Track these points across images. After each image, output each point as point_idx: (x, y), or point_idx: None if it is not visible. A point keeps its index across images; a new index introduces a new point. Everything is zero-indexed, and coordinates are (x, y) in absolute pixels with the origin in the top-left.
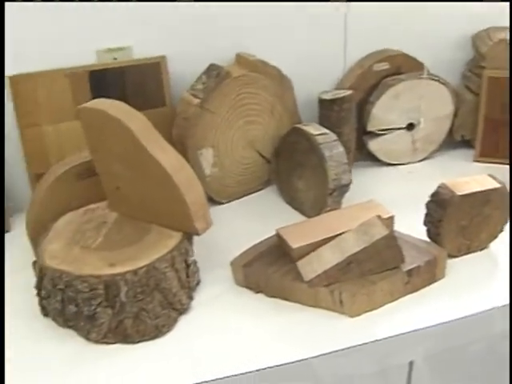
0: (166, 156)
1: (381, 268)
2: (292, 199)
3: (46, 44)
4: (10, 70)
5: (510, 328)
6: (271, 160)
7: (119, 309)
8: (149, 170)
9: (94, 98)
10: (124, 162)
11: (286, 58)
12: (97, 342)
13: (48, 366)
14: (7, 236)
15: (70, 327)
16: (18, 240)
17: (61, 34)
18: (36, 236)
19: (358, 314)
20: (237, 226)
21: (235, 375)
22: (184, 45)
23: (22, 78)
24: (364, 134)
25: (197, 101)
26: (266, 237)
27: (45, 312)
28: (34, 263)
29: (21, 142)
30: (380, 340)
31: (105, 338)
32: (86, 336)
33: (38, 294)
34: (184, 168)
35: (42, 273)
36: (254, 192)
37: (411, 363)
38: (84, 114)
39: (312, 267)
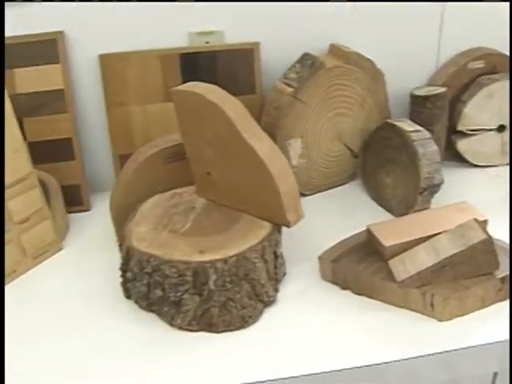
0: (262, 144)
1: (475, 273)
2: (378, 195)
3: (138, 24)
4: (100, 49)
5: (510, 328)
6: (358, 154)
7: (206, 297)
8: (243, 157)
9: (184, 81)
10: (217, 147)
11: (378, 51)
12: (180, 328)
13: (130, 349)
14: (87, 214)
15: (152, 311)
16: (99, 219)
17: (154, 15)
18: (120, 217)
19: (448, 319)
20: (321, 219)
21: (321, 373)
22: (275, 33)
23: (112, 57)
24: (453, 133)
25: (290, 90)
26: (352, 233)
27: (128, 294)
28: (121, 245)
29: (107, 122)
30: (468, 347)
31: (189, 325)
32: (170, 321)
33: (123, 276)
34: (279, 157)
35: (128, 254)
36: (337, 186)
37: (495, 374)
38: (178, 97)
39: (405, 267)
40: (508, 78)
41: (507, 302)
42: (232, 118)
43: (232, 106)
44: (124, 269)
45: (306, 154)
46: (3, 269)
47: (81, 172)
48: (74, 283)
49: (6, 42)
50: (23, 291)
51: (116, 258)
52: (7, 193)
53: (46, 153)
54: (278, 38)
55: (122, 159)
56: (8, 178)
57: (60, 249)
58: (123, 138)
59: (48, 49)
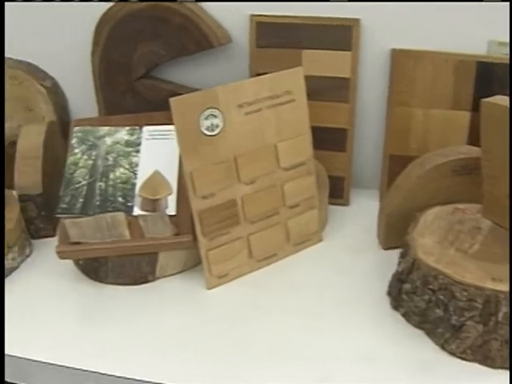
0: None
1: None
2: None
3: (436, 23)
4: (393, 43)
5: (509, 327)
6: None
7: (491, 328)
8: None
9: (476, 91)
10: None
11: None
12: (452, 354)
13: (393, 363)
14: (346, 209)
15: (422, 329)
16: (357, 216)
17: (455, 16)
18: (393, 221)
19: None
20: None
21: None
22: None
23: (404, 54)
24: None
25: None
26: None
27: (397, 305)
28: (404, 254)
29: (385, 119)
30: None
31: (463, 353)
32: (442, 344)
33: (397, 286)
34: None
35: (413, 266)
36: None
37: None
38: (487, 109)
39: None
40: None
41: None
42: None
43: None
44: (403, 279)
45: None
46: (3, 268)
47: (348, 165)
48: (331, 279)
49: (299, 21)
50: (281, 275)
51: (375, 262)
52: (286, 175)
53: (319, 139)
54: None
55: (391, 159)
56: (289, 161)
57: (320, 240)
58: (399, 139)
59: (342, 35)
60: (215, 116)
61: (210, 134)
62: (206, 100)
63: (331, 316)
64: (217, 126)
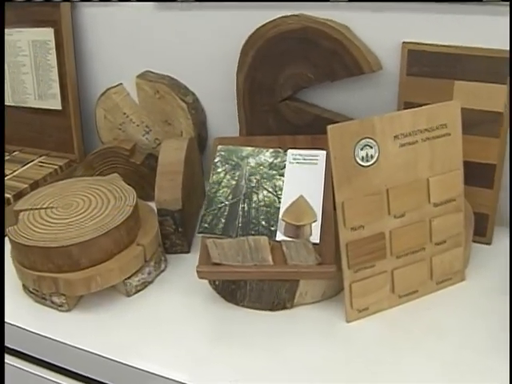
0: None
1: None
2: None
3: None
4: None
5: (510, 326)
6: None
7: None
8: None
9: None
10: None
11: None
12: None
13: None
14: (488, 248)
15: None
16: (500, 255)
17: None
18: None
19: None
20: None
21: None
22: None
23: None
24: None
25: None
26: None
27: None
28: None
29: None
30: None
31: None
32: None
33: None
34: None
35: None
36: None
37: None
38: None
39: None
40: None
41: None
42: None
43: None
44: None
45: None
46: (3, 267)
47: (494, 202)
48: (473, 322)
49: (453, 51)
50: (422, 315)
51: None
52: (435, 210)
53: (466, 175)
54: None
55: None
56: (440, 196)
57: (462, 279)
58: None
59: (497, 67)
60: (371, 146)
61: (364, 164)
62: (363, 129)
63: (471, 362)
64: (372, 157)
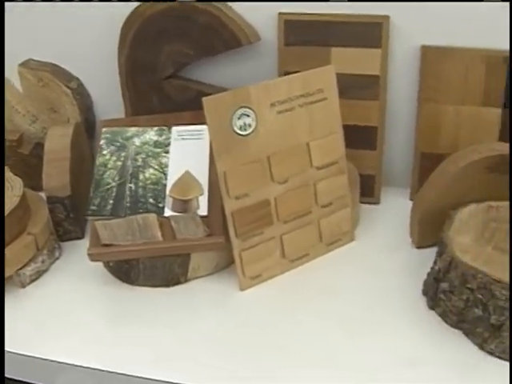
0: None
1: None
2: None
3: (462, 19)
4: (423, 40)
5: (509, 326)
6: None
7: None
8: None
9: (507, 87)
10: None
11: None
12: (491, 353)
13: (431, 365)
14: (376, 208)
15: (460, 328)
16: (388, 215)
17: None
18: (426, 219)
19: None
20: None
21: None
22: None
23: (434, 51)
24: None
25: None
26: None
27: (433, 304)
28: (441, 253)
29: (416, 116)
30: None
31: (502, 353)
32: (481, 344)
33: (434, 285)
34: None
35: (450, 265)
36: None
37: None
38: None
39: None
40: None
41: None
42: None
43: None
44: (440, 278)
45: None
46: (3, 265)
47: (379, 163)
48: (365, 280)
49: (328, 18)
50: (314, 277)
51: (409, 261)
52: (318, 174)
53: (349, 138)
54: None
55: (423, 157)
56: (321, 160)
57: (352, 239)
58: (429, 136)
59: (371, 32)
60: (248, 115)
61: (242, 133)
62: (239, 99)
63: (366, 318)
64: (249, 126)
